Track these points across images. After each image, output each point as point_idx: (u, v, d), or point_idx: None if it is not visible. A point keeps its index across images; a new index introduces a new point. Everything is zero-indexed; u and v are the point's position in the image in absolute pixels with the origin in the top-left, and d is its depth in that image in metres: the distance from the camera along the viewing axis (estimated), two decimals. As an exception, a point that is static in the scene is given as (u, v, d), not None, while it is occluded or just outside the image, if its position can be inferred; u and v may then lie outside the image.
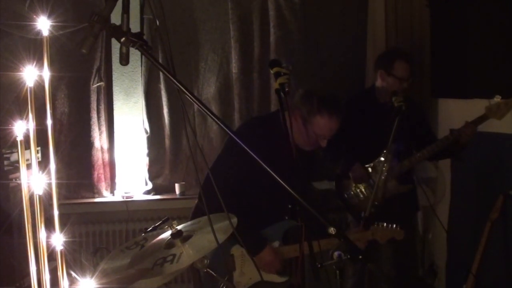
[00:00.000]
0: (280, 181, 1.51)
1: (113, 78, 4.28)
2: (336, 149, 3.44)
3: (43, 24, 1.08)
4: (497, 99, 3.04)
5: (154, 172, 4.38)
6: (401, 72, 3.27)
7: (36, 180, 0.97)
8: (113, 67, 4.27)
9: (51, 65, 1.06)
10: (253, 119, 3.24)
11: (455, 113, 3.98)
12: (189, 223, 2.69)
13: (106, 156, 4.24)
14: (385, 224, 2.71)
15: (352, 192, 3.43)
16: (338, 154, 3.43)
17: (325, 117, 2.56)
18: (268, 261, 2.61)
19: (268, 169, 1.50)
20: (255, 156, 1.50)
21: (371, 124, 3.35)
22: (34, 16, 1.15)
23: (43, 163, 3.19)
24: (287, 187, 1.53)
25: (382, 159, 3.21)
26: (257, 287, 2.67)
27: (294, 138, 2.08)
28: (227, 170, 2.60)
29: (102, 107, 4.20)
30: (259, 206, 2.67)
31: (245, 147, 1.51)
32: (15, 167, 3.38)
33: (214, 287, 2.54)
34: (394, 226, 2.70)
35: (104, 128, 4.22)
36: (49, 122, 1.06)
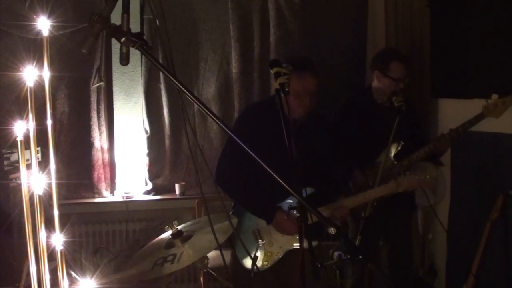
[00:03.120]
0: (281, 181, 1.52)
1: (113, 78, 4.28)
2: (335, 152, 3.43)
3: (43, 24, 1.08)
4: (494, 97, 3.04)
5: (154, 172, 4.37)
6: (397, 73, 3.26)
7: (36, 180, 0.97)
8: (113, 67, 4.27)
9: (51, 65, 1.06)
10: (248, 107, 3.36)
11: (455, 113, 3.97)
12: (189, 223, 2.70)
13: (106, 156, 4.24)
14: (408, 173, 2.74)
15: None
16: (337, 158, 3.42)
17: (295, 74, 2.67)
18: (284, 228, 2.73)
19: (267, 168, 1.51)
20: (254, 155, 1.51)
21: (369, 124, 3.35)
22: (34, 16, 1.15)
23: (43, 163, 3.19)
24: (286, 186, 1.55)
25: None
26: (290, 256, 2.76)
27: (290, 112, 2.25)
28: (235, 148, 2.75)
29: (102, 107, 4.19)
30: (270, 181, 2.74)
31: (245, 147, 1.52)
32: (15, 167, 3.38)
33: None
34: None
35: (104, 128, 4.22)
36: (49, 122, 1.06)
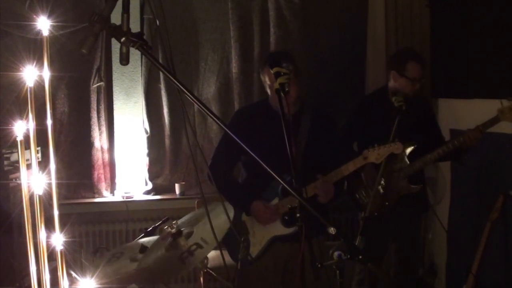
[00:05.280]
0: (278, 178, 1.53)
1: (113, 78, 4.28)
2: (349, 148, 3.43)
3: (43, 24, 1.08)
4: (510, 100, 3.01)
5: (154, 172, 4.38)
6: (413, 73, 3.26)
7: (36, 180, 0.97)
8: (113, 67, 4.27)
9: (51, 65, 1.06)
10: (241, 108, 3.45)
11: (455, 113, 3.98)
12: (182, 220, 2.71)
13: (106, 156, 4.24)
14: (376, 145, 2.74)
15: (363, 192, 3.41)
16: (351, 154, 3.41)
17: (267, 68, 2.70)
18: (260, 216, 2.78)
19: (264, 165, 1.52)
20: (251, 153, 1.52)
21: (383, 124, 3.33)
22: (34, 16, 1.15)
23: (43, 163, 3.19)
24: (285, 185, 1.57)
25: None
26: (273, 245, 2.82)
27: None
28: (223, 143, 3.00)
29: (102, 107, 4.20)
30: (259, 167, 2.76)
31: (243, 145, 1.53)
32: (15, 167, 3.38)
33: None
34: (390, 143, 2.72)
35: (104, 128, 4.22)
36: (49, 122, 1.06)
